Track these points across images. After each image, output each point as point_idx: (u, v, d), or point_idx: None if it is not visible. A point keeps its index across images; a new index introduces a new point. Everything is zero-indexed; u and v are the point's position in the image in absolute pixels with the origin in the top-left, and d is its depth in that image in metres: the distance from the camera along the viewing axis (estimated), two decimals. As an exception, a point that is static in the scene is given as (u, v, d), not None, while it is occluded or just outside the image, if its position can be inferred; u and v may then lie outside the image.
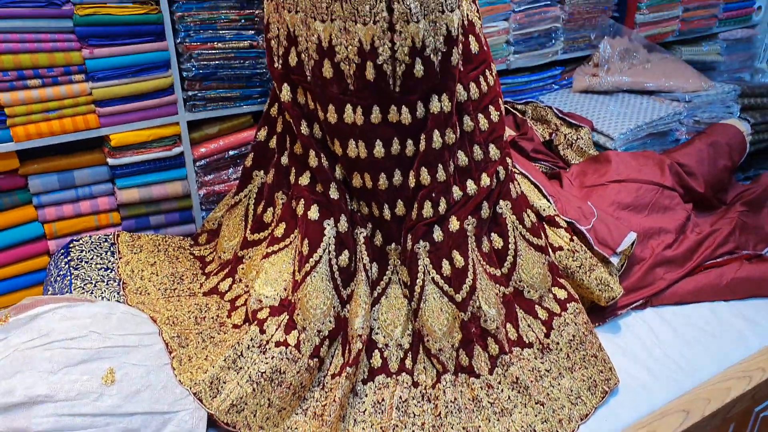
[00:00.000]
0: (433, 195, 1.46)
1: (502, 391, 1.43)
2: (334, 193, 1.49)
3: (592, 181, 1.92)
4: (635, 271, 1.78)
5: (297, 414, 1.38)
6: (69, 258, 1.58)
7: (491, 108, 1.50)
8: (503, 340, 1.47)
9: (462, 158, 1.48)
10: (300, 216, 1.50)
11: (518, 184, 1.62)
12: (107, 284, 1.52)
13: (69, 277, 1.53)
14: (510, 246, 1.55)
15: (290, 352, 1.38)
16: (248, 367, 1.35)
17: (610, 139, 2.12)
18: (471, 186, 1.50)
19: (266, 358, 1.36)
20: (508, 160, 1.56)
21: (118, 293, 1.50)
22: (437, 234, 1.49)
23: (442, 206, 1.48)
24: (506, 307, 1.52)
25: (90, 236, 1.66)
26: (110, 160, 1.67)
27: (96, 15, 1.52)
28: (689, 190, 1.99)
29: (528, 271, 1.56)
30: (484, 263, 1.52)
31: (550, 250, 1.63)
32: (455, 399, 1.39)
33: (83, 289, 1.49)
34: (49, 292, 1.53)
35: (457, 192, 1.49)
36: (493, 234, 1.55)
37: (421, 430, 1.36)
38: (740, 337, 1.64)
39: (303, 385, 1.39)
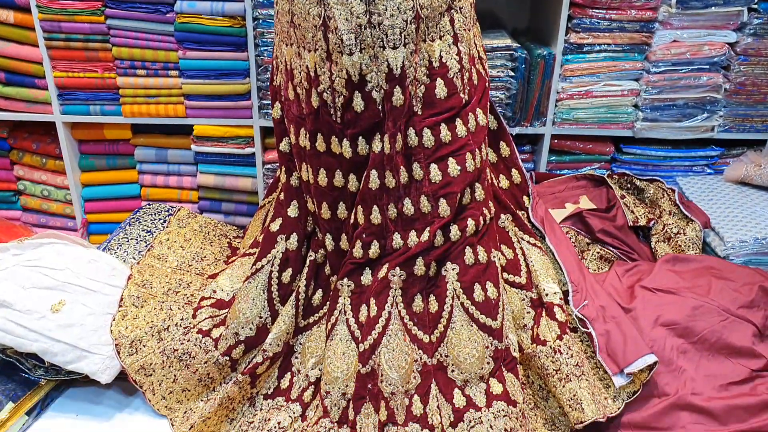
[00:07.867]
0: (364, 236, 1.40)
1: (374, 461, 1.30)
2: (293, 212, 1.53)
3: (645, 282, 1.54)
4: (652, 405, 1.39)
5: (201, 401, 1.47)
6: (135, 216, 1.93)
7: (452, 161, 1.35)
8: (397, 409, 1.32)
9: (408, 207, 1.38)
10: (265, 226, 1.58)
11: (488, 253, 1.41)
12: (138, 243, 1.81)
13: (122, 229, 1.87)
14: (444, 314, 1.38)
15: (206, 343, 1.47)
16: (168, 342, 1.49)
17: (722, 243, 1.65)
18: (413, 238, 1.38)
19: (185, 339, 1.48)
20: (470, 222, 1.38)
21: (139, 252, 1.78)
22: (366, 277, 1.42)
23: (374, 250, 1.40)
24: (422, 377, 1.36)
25: (159, 204, 1.99)
26: (193, 146, 1.97)
27: (191, 23, 1.82)
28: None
29: (457, 349, 1.36)
30: (410, 323, 1.39)
31: (510, 337, 1.39)
32: (320, 447, 1.32)
33: (119, 240, 1.81)
34: (112, 236, 1.89)
35: (398, 240, 1.39)
36: (432, 296, 1.40)
37: (281, 461, 1.33)
38: None
39: (210, 376, 1.47)
